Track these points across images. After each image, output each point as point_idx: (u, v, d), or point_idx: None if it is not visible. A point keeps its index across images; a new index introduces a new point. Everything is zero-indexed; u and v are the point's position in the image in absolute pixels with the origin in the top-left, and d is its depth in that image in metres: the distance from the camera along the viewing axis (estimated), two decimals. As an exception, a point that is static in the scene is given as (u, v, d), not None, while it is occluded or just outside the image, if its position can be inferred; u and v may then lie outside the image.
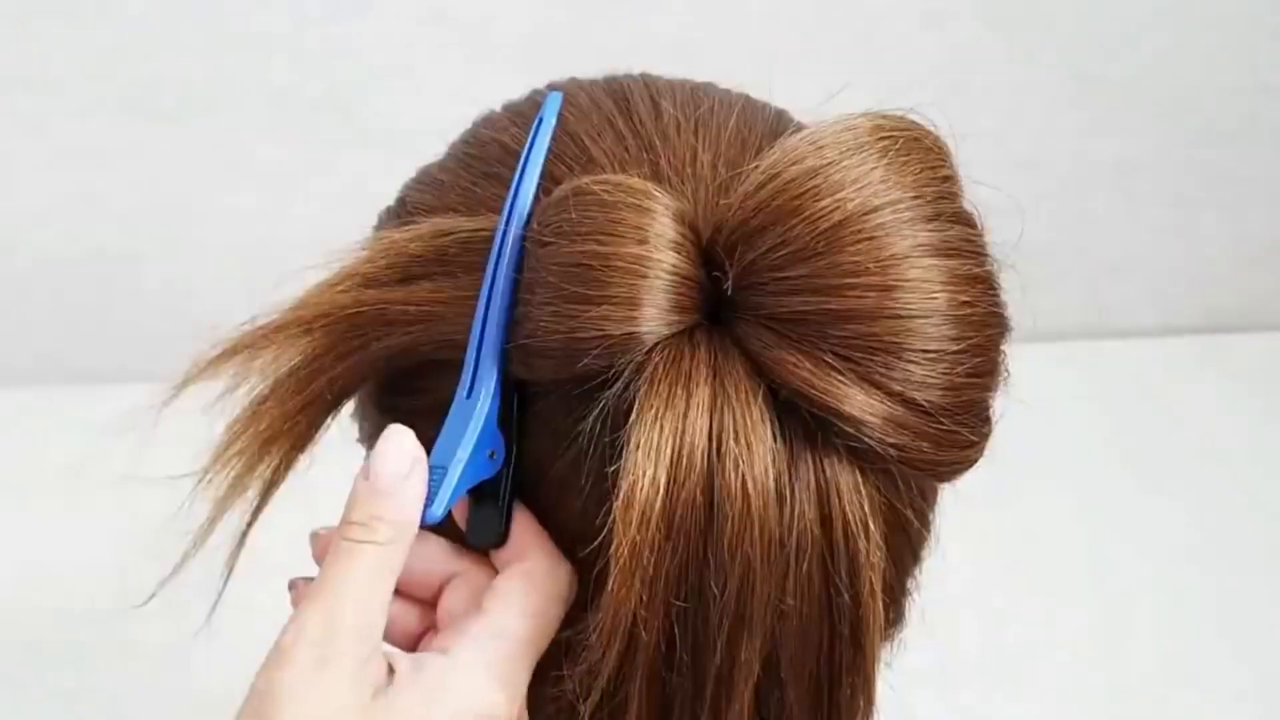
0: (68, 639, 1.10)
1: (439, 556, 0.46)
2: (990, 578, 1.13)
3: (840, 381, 0.39)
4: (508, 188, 0.43)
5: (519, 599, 0.43)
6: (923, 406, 0.40)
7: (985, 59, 1.35)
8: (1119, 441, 1.33)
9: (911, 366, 0.39)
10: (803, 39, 1.32)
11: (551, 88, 0.50)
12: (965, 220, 0.41)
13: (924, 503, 0.47)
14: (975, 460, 0.42)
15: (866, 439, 0.39)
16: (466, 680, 0.42)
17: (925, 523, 0.48)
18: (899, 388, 0.39)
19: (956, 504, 0.48)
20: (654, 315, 0.40)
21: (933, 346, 0.39)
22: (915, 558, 0.48)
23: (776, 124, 0.48)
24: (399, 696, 0.41)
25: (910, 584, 0.48)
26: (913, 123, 0.42)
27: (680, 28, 1.30)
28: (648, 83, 0.49)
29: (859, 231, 0.39)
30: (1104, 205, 1.45)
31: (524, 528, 0.44)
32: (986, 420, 0.42)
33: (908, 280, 0.39)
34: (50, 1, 1.24)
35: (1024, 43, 1.35)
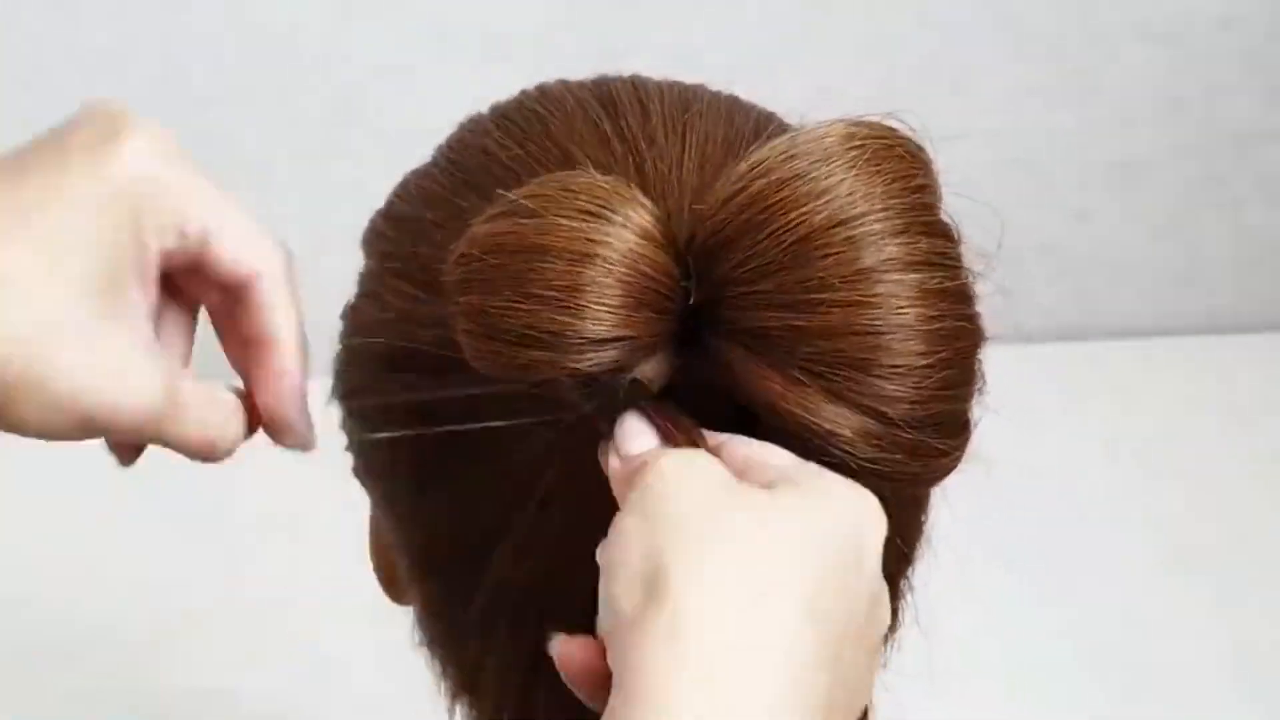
0: (68, 639, 1.10)
1: None
2: (987, 578, 1.13)
3: (810, 397, 0.39)
4: (488, 199, 0.43)
5: None
6: (893, 420, 0.39)
7: (985, 59, 1.35)
8: (1115, 442, 1.33)
9: (880, 382, 0.39)
10: (802, 40, 1.32)
11: (540, 90, 0.50)
12: (937, 232, 0.41)
13: (915, 506, 0.47)
14: (951, 468, 0.42)
15: (837, 452, 0.39)
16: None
17: (916, 525, 0.48)
18: (869, 403, 0.39)
19: (951, 505, 0.48)
20: (634, 317, 0.40)
21: (901, 362, 0.39)
22: (908, 560, 0.48)
23: (764, 128, 0.47)
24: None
25: (903, 585, 0.48)
26: (887, 130, 0.41)
27: (680, 29, 1.30)
28: (636, 85, 0.48)
29: (826, 246, 0.39)
30: (1103, 205, 1.45)
31: None
32: (962, 429, 0.42)
33: (875, 296, 0.39)
34: (50, 1, 1.24)
35: (1024, 43, 1.35)
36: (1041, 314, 1.45)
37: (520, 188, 0.41)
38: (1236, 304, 1.51)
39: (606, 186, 0.40)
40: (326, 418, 0.51)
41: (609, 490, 0.42)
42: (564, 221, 0.39)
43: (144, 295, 0.41)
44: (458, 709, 0.53)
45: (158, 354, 0.41)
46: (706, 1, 1.30)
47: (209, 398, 0.42)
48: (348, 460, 0.51)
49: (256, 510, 1.16)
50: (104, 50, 1.26)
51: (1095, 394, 1.39)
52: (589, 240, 0.39)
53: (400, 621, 0.54)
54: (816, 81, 1.25)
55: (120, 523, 1.18)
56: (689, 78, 0.51)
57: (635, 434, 0.41)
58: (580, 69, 0.52)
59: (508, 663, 0.47)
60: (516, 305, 0.39)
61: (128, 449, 0.44)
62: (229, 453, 0.43)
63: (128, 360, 0.40)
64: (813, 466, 0.40)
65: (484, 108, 0.51)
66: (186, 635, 1.10)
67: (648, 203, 0.40)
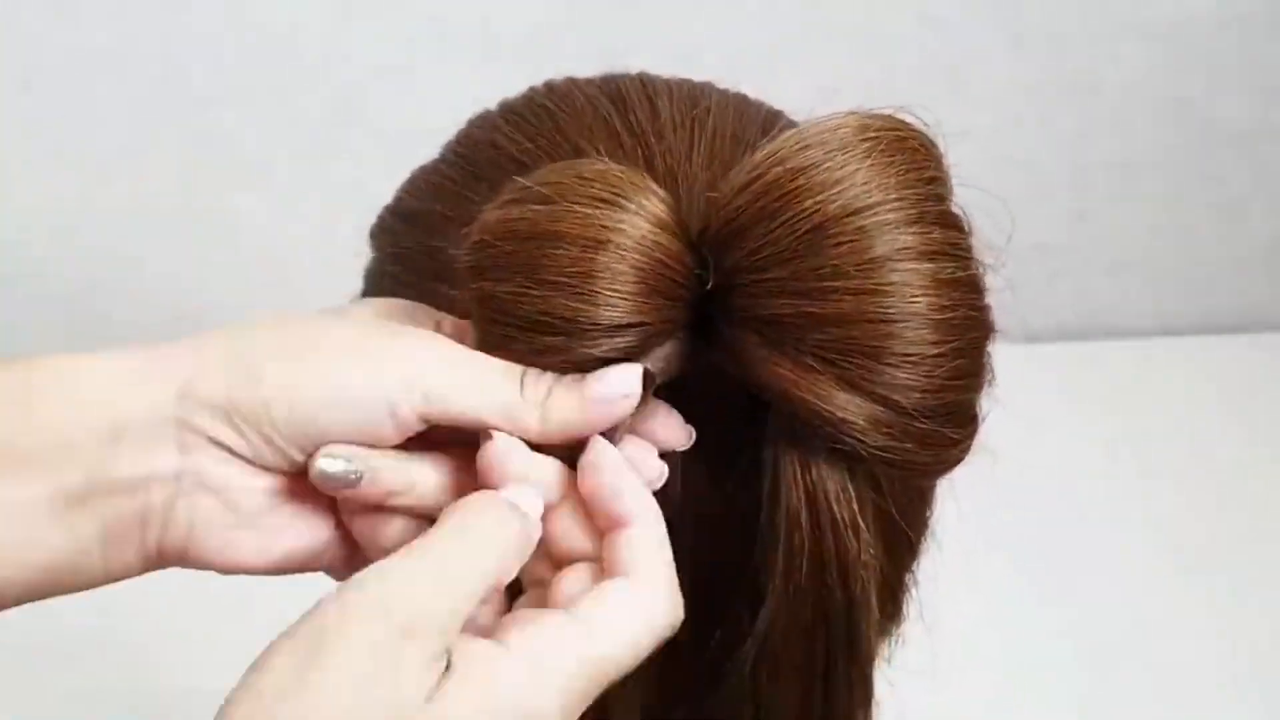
0: (68, 639, 1.10)
1: (579, 534, 0.41)
2: (988, 576, 1.13)
3: (822, 384, 0.39)
4: (499, 192, 0.43)
5: (627, 625, 0.38)
6: (905, 409, 0.40)
7: (985, 59, 1.35)
8: (1115, 442, 1.33)
9: (892, 370, 0.39)
10: (802, 39, 1.32)
11: (548, 86, 0.50)
12: (949, 223, 0.41)
13: (920, 499, 0.47)
14: (960, 459, 0.43)
15: (849, 440, 0.40)
16: (534, 697, 0.37)
17: (922, 519, 0.48)
18: (881, 391, 0.39)
19: (954, 501, 0.48)
20: (645, 302, 0.40)
21: (913, 350, 0.39)
22: (913, 553, 0.48)
23: (772, 124, 0.48)
24: (453, 704, 0.36)
25: (908, 579, 0.48)
26: (900, 122, 0.41)
27: (680, 27, 1.30)
28: (645, 82, 0.49)
29: (840, 234, 0.39)
30: (1102, 205, 1.45)
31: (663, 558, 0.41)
32: (972, 420, 0.42)
33: (888, 284, 0.39)
34: (50, 1, 1.24)
35: (1024, 43, 1.35)
36: (1041, 314, 1.45)
37: (544, 168, 0.41)
38: (1236, 304, 1.51)
39: (621, 175, 0.40)
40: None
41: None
42: (577, 208, 0.39)
43: None
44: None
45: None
46: (706, 1, 1.30)
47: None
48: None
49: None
50: (104, 50, 1.26)
51: (1094, 394, 1.39)
52: (603, 227, 0.39)
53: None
54: (816, 80, 1.24)
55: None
56: (690, 77, 0.51)
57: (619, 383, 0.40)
58: (580, 69, 0.52)
59: None
60: (529, 291, 0.39)
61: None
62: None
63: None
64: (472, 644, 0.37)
65: (484, 107, 0.51)
66: (186, 635, 1.10)
67: (661, 190, 0.41)
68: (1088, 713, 1.08)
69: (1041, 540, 1.21)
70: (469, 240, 0.41)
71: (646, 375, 0.41)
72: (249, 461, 0.40)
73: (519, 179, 0.41)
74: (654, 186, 0.41)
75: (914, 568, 0.49)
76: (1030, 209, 1.42)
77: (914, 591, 0.49)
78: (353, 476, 0.40)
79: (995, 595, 1.14)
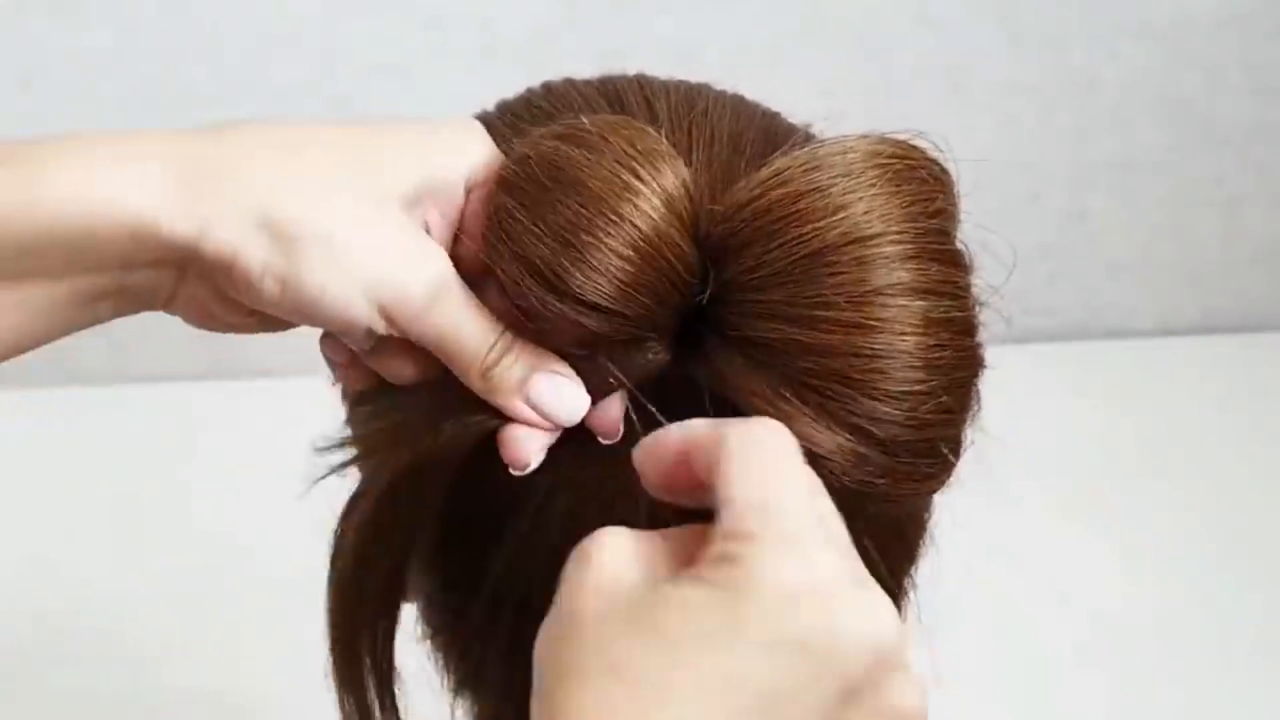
0: (68, 639, 1.10)
1: None
2: (987, 579, 1.13)
3: (800, 413, 0.39)
4: None
5: None
6: (883, 443, 0.39)
7: (985, 59, 1.35)
8: (1116, 443, 1.33)
9: (874, 404, 0.39)
10: (802, 39, 1.32)
11: (545, 88, 0.50)
12: (949, 259, 0.41)
13: (917, 505, 0.47)
14: (937, 489, 0.43)
15: (823, 470, 0.39)
16: None
17: (920, 522, 0.48)
18: (860, 424, 0.39)
19: (953, 503, 0.48)
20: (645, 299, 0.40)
21: (897, 388, 0.39)
22: (910, 559, 0.48)
23: (770, 126, 0.48)
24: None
25: (906, 584, 0.48)
26: (912, 149, 0.41)
27: (679, 27, 1.30)
28: (642, 83, 0.48)
29: (836, 264, 0.39)
30: (1102, 205, 1.45)
31: None
32: (951, 453, 0.42)
33: (878, 320, 0.39)
34: (50, 1, 1.24)
35: (1023, 43, 1.35)
36: (1041, 314, 1.45)
37: (604, 114, 0.42)
38: (1235, 304, 1.51)
39: (666, 161, 0.40)
40: (331, 414, 0.51)
41: (609, 484, 0.42)
42: (620, 176, 0.39)
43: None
44: (459, 704, 0.53)
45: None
46: (706, 1, 1.30)
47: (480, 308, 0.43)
48: (352, 456, 0.51)
49: (257, 509, 1.15)
50: (104, 50, 1.26)
51: (1094, 394, 1.39)
52: (635, 207, 0.39)
53: (403, 618, 0.54)
54: (816, 80, 1.24)
55: (120, 523, 1.18)
56: (689, 77, 0.51)
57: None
58: (580, 68, 0.52)
59: (513, 657, 0.47)
60: (538, 230, 0.39)
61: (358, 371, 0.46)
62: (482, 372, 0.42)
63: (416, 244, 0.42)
64: (778, 529, 0.34)
65: (483, 107, 0.51)
66: (185, 635, 1.10)
67: (692, 187, 0.40)
68: (1087, 713, 1.08)
69: (1039, 541, 1.21)
70: (517, 153, 0.41)
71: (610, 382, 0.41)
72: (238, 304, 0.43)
73: (584, 119, 0.41)
74: (688, 182, 0.40)
75: (912, 572, 0.49)
76: (1030, 209, 1.42)
77: (913, 595, 0.49)
78: (367, 347, 0.43)
79: (994, 596, 1.14)
